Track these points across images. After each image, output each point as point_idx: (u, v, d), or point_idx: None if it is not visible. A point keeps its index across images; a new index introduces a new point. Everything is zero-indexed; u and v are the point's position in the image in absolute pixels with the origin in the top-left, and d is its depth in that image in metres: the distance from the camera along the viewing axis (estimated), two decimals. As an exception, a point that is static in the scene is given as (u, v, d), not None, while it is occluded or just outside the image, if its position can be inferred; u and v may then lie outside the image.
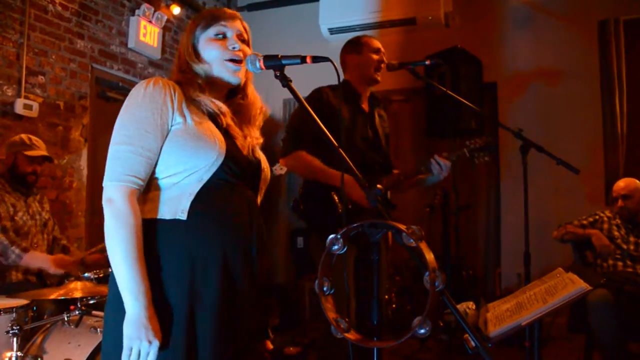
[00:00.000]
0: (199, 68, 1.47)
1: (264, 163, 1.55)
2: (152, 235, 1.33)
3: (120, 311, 1.28)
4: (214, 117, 1.43)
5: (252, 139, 1.52)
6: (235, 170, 1.40)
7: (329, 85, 2.59)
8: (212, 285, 1.34)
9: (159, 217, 1.34)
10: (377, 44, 2.64)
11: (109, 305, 1.38)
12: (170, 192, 1.36)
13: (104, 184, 1.32)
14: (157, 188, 1.37)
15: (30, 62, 3.60)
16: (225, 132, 1.44)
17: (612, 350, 2.88)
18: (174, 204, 1.34)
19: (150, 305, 1.26)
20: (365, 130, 2.60)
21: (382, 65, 2.61)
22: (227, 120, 1.46)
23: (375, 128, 2.66)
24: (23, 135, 3.03)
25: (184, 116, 1.37)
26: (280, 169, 4.47)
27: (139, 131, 1.32)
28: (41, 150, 3.01)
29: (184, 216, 1.33)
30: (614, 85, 4.45)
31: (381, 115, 2.75)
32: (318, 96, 2.53)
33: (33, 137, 3.04)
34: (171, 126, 1.36)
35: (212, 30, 1.48)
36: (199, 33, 1.49)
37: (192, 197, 1.34)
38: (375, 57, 2.60)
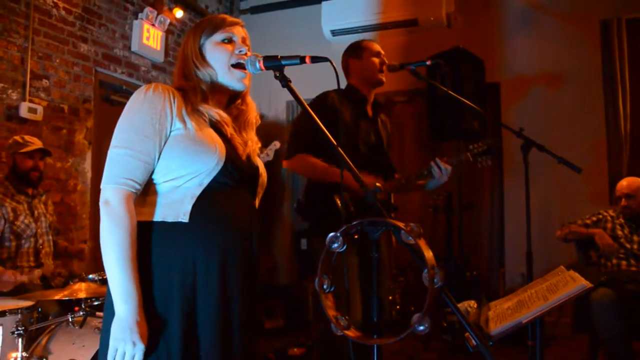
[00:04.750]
0: (204, 73, 1.47)
1: (262, 168, 1.56)
2: (152, 237, 1.34)
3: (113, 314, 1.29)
4: (215, 126, 1.45)
5: (251, 145, 1.53)
6: (234, 174, 1.42)
7: (335, 90, 2.60)
8: (213, 287, 1.35)
9: (160, 219, 1.35)
10: (377, 47, 2.66)
11: (106, 308, 1.38)
12: (172, 195, 1.37)
13: (101, 186, 1.34)
14: (157, 191, 1.38)
15: (34, 66, 3.63)
16: (226, 139, 1.45)
17: (616, 349, 2.88)
18: (176, 207, 1.35)
19: (140, 309, 1.27)
20: (369, 135, 2.62)
21: (384, 67, 2.63)
22: (230, 129, 1.47)
23: (378, 133, 2.68)
24: (16, 137, 3.09)
25: (184, 122, 1.38)
26: (267, 155, 4.48)
27: (137, 136, 1.34)
28: (35, 145, 3.04)
29: (186, 219, 1.34)
30: (617, 85, 4.44)
31: (384, 120, 2.77)
32: (323, 100, 2.54)
33: (26, 136, 3.09)
34: (170, 132, 1.37)
35: (219, 35, 1.48)
36: (205, 37, 1.49)
37: (193, 200, 1.36)
38: (376, 60, 2.62)
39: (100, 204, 1.32)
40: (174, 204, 1.36)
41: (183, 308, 1.32)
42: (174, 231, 1.35)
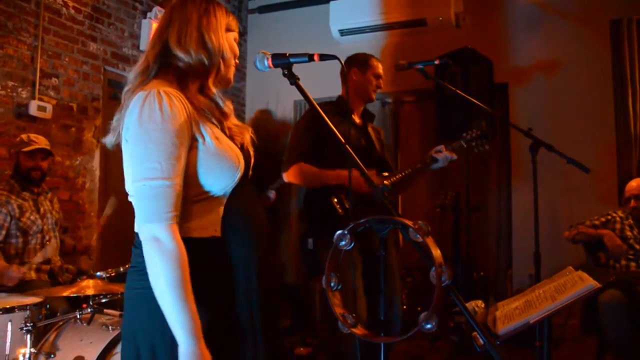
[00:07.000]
0: (218, 53, 1.43)
1: (252, 151, 1.52)
2: (192, 255, 1.28)
3: (162, 343, 1.26)
4: (222, 128, 1.42)
5: (244, 133, 1.50)
6: (246, 173, 1.41)
7: (322, 103, 2.67)
8: (254, 292, 1.36)
9: (194, 236, 1.31)
10: (381, 70, 2.76)
11: (141, 332, 1.31)
12: (200, 210, 1.33)
13: (144, 225, 1.25)
14: (184, 205, 1.31)
15: (44, 64, 3.65)
16: (230, 137, 1.43)
17: (624, 351, 2.86)
18: (206, 222, 1.33)
19: (202, 337, 1.23)
20: (359, 140, 2.70)
21: (378, 90, 2.75)
22: (228, 123, 1.45)
23: (368, 137, 2.76)
24: (22, 135, 3.12)
25: (201, 134, 1.33)
26: (274, 194, 4.66)
27: (169, 162, 1.25)
28: (38, 144, 3.06)
29: (218, 233, 1.33)
30: (627, 85, 4.40)
31: (375, 128, 2.87)
32: (312, 114, 2.59)
33: (31, 135, 3.12)
34: (190, 144, 1.31)
35: (233, 34, 1.49)
36: (226, 29, 1.46)
37: (221, 212, 1.34)
38: (374, 81, 2.73)
39: (146, 240, 1.24)
40: (204, 219, 1.33)
41: (229, 321, 1.33)
42: (211, 247, 1.32)
